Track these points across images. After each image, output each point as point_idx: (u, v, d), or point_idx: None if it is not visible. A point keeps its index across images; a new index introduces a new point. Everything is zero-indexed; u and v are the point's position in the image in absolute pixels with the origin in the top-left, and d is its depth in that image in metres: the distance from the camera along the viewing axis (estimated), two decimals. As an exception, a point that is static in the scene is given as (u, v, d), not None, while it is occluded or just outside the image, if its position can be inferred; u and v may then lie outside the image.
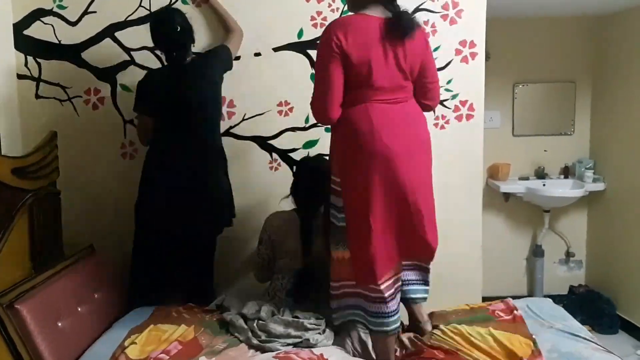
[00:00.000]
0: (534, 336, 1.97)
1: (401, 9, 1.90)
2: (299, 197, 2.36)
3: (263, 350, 1.93)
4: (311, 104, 1.96)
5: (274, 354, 1.90)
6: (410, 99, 1.98)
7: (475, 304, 2.37)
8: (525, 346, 1.91)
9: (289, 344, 1.96)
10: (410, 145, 1.89)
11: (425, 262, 2.12)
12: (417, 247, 1.94)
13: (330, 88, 1.86)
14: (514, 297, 2.43)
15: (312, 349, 1.93)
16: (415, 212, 1.87)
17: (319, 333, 2.02)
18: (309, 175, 2.32)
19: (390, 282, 1.92)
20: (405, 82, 1.93)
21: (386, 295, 1.90)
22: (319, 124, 2.30)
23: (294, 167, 2.54)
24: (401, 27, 1.85)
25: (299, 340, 1.98)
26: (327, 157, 2.32)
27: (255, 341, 1.97)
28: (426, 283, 2.17)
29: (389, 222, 1.88)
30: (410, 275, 2.13)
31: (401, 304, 2.04)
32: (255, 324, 2.03)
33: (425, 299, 2.17)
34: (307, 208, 2.32)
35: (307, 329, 2.01)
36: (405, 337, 2.10)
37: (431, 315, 2.22)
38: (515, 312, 2.17)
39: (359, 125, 1.86)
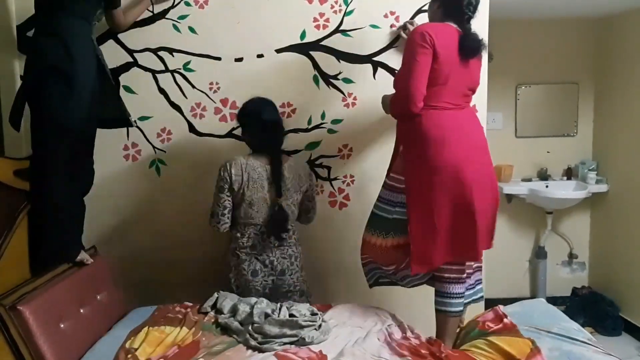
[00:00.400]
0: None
1: (472, 30, 2.09)
2: (262, 146, 2.38)
3: (261, 351, 1.94)
4: (396, 95, 2.10)
5: (272, 352, 1.91)
6: (469, 105, 2.19)
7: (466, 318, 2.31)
8: (524, 345, 1.89)
9: (285, 343, 1.98)
10: (476, 151, 2.08)
11: (471, 261, 2.20)
12: (465, 248, 2.09)
13: (420, 77, 1.98)
14: (516, 299, 2.42)
15: (310, 347, 1.94)
16: (472, 217, 2.03)
17: (315, 329, 2.04)
18: (270, 126, 2.36)
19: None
20: (469, 91, 2.14)
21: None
22: (395, 115, 2.19)
23: (244, 116, 2.43)
24: (469, 46, 2.05)
25: (295, 339, 1.99)
26: (268, 99, 2.43)
27: (252, 342, 1.98)
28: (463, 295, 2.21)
29: (449, 224, 2.05)
30: (457, 288, 2.16)
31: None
32: (250, 327, 2.05)
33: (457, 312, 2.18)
34: (275, 152, 2.36)
35: (302, 327, 2.03)
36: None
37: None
38: (504, 319, 2.13)
39: (431, 132, 2.01)
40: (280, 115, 2.45)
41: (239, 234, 2.37)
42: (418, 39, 2.00)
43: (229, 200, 2.34)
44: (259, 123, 2.37)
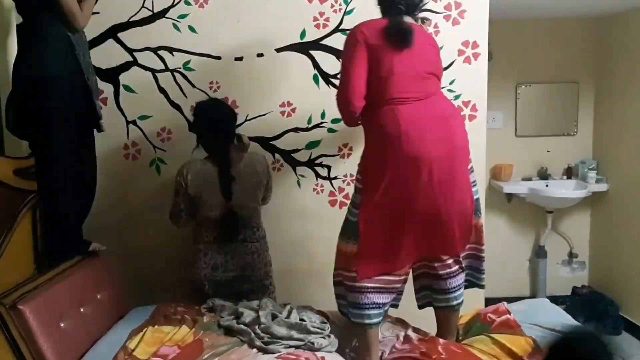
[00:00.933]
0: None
1: (401, 19, 1.96)
2: (210, 148, 2.40)
3: (265, 352, 1.92)
4: (337, 96, 2.01)
5: (276, 355, 1.89)
6: (437, 94, 2.00)
7: (468, 313, 2.29)
8: (525, 344, 1.90)
9: (291, 346, 1.95)
10: (441, 150, 1.88)
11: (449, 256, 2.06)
12: (440, 245, 1.99)
13: (354, 76, 1.91)
14: (516, 299, 2.42)
15: (315, 352, 1.93)
16: (439, 216, 1.91)
17: (323, 338, 2.01)
18: (214, 127, 2.38)
19: (386, 277, 1.98)
20: (427, 75, 1.95)
21: (365, 285, 1.96)
22: (346, 123, 2.09)
23: (193, 116, 2.51)
24: (393, 35, 1.92)
25: (302, 343, 1.97)
26: (222, 100, 2.51)
27: (258, 342, 1.96)
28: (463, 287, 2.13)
29: (405, 226, 1.92)
30: (454, 282, 2.07)
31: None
32: (257, 327, 2.03)
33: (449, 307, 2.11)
34: (222, 157, 2.37)
35: (309, 332, 2.01)
36: (413, 335, 2.10)
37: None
38: (508, 316, 2.12)
39: (387, 128, 1.89)
40: (227, 115, 2.43)
41: (202, 229, 2.41)
42: (349, 40, 1.96)
43: (184, 204, 2.39)
44: (204, 126, 2.42)
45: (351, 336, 2.10)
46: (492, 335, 1.96)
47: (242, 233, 2.40)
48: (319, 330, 2.03)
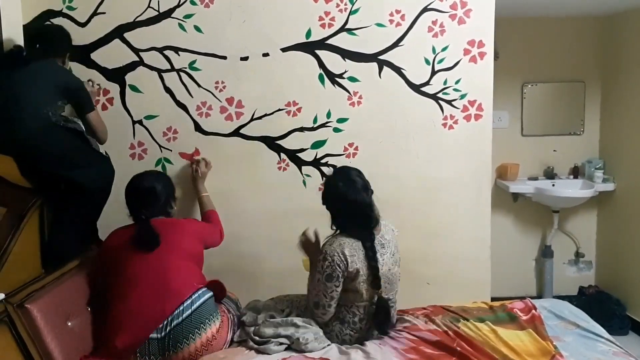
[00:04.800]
0: (557, 339, 2.02)
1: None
2: (355, 220, 2.05)
3: (259, 352, 1.98)
4: None
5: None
6: None
7: (493, 303, 2.37)
8: (547, 346, 1.95)
9: (281, 343, 2.00)
10: None
11: None
12: None
13: None
14: (522, 298, 2.42)
15: (311, 354, 1.95)
16: None
17: (311, 332, 2.04)
18: (362, 192, 2.05)
19: None
20: None
21: None
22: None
23: (324, 189, 2.19)
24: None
25: (290, 339, 2.01)
26: (347, 171, 2.16)
27: (250, 343, 2.03)
28: None
29: None
30: None
31: None
32: (251, 329, 2.08)
33: None
34: (368, 228, 2.05)
35: (297, 326, 2.04)
36: (439, 320, 2.14)
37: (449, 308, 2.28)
38: (533, 311, 2.20)
39: None
40: (366, 192, 2.07)
41: (350, 310, 2.09)
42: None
43: (337, 291, 2.02)
44: (348, 205, 2.05)
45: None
46: (520, 334, 2.03)
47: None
48: (304, 325, 2.05)
